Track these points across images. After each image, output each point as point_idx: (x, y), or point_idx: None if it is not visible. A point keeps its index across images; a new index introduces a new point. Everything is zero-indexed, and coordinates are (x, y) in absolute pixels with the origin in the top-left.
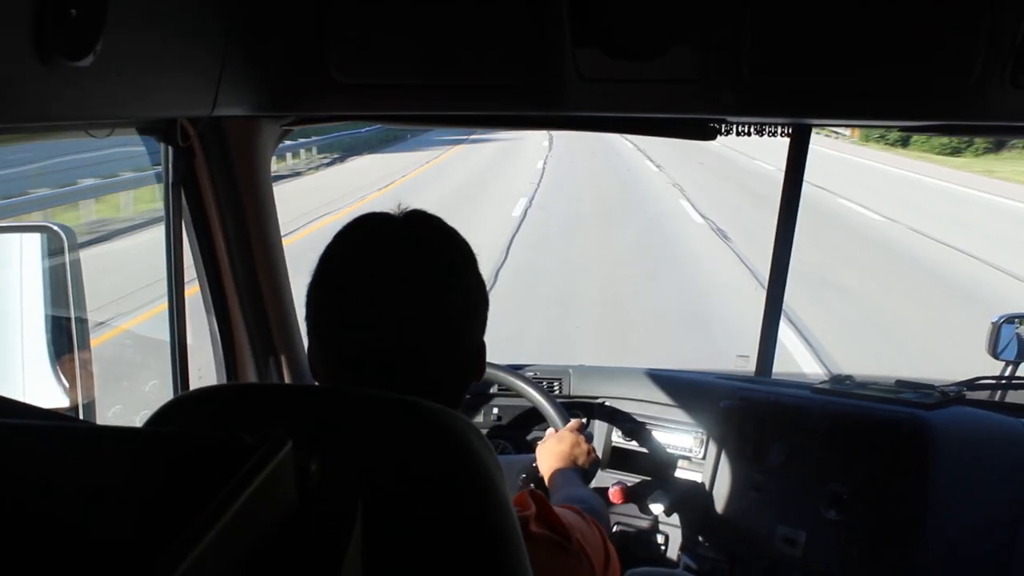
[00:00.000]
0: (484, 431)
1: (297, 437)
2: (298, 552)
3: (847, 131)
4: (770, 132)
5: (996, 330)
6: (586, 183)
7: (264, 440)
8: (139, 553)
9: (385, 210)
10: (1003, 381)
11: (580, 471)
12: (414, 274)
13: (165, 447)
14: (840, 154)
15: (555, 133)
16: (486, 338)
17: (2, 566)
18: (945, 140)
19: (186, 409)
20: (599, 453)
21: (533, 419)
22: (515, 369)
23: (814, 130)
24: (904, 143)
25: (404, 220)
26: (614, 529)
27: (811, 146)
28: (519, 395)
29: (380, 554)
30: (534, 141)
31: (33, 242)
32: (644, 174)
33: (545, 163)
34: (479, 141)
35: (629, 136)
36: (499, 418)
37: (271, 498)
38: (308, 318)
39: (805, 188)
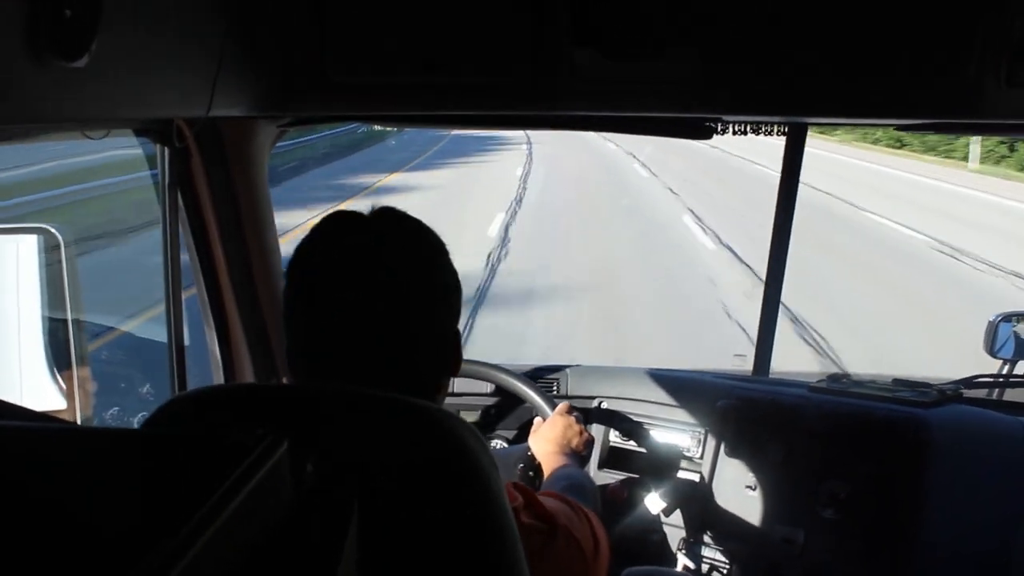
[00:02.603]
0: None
1: (293, 437)
2: (295, 550)
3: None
4: (766, 131)
5: (994, 328)
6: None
7: (260, 440)
8: (137, 553)
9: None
10: (1001, 379)
11: (575, 454)
12: (382, 267)
13: (162, 448)
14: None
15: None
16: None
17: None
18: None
19: (182, 410)
20: (597, 453)
21: (527, 418)
22: (516, 371)
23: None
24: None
25: (373, 215)
26: (599, 508)
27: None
28: (509, 395)
29: (376, 554)
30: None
31: (29, 244)
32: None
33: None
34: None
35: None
36: (495, 418)
37: (268, 497)
38: (283, 311)
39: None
